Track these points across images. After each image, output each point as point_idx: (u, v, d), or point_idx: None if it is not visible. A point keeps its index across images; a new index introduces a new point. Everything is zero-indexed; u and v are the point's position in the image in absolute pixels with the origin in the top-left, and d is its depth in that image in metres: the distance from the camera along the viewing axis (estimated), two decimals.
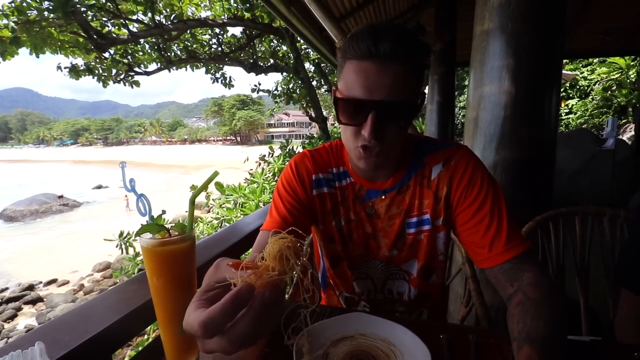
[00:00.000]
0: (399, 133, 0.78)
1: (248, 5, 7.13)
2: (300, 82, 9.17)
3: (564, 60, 10.19)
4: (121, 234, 6.33)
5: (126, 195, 20.95)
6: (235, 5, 7.82)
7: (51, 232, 17.74)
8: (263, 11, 7.32)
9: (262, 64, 9.15)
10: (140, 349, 0.82)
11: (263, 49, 9.58)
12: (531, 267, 0.75)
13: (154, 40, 8.06)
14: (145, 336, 3.92)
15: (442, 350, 0.68)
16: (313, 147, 1.03)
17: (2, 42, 5.99)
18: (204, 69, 9.62)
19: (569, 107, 13.92)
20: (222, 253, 1.03)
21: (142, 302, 0.72)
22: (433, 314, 1.01)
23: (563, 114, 13.71)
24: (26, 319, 9.03)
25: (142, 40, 7.89)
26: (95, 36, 6.54)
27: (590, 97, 13.38)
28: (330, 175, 0.95)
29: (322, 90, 10.94)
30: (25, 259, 13.76)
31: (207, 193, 6.51)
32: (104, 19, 7.06)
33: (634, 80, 11.54)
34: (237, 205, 5.27)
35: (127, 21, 6.90)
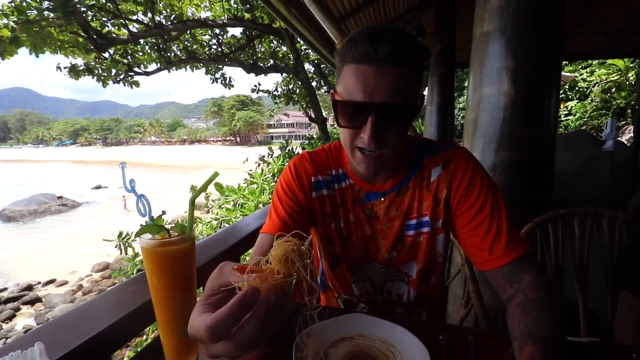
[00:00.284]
0: (398, 136, 0.78)
1: (248, 5, 7.13)
2: (300, 82, 9.17)
3: (563, 62, 10.22)
4: (120, 234, 6.31)
5: (124, 196, 20.95)
6: (235, 5, 7.82)
7: (50, 232, 17.70)
8: (263, 12, 7.32)
9: (262, 65, 9.15)
10: (139, 349, 0.82)
11: (263, 49, 9.59)
12: (530, 269, 0.75)
13: (153, 40, 8.06)
14: (144, 337, 3.91)
15: (441, 351, 0.68)
16: (313, 147, 1.03)
17: (2, 41, 5.98)
18: (203, 69, 9.62)
19: (568, 108, 13.95)
20: (221, 253, 1.03)
21: (141, 303, 0.72)
22: (432, 315, 1.01)
23: (562, 116, 13.74)
24: (25, 320, 9.00)
25: (142, 41, 7.89)
26: (95, 36, 6.53)
27: (590, 98, 13.40)
28: (330, 177, 0.95)
29: (322, 91, 10.94)
30: (24, 259, 13.72)
31: (207, 194, 6.51)
32: (104, 19, 7.05)
33: (633, 82, 11.56)
34: (237, 205, 5.26)
35: (127, 21, 6.89)
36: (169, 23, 7.44)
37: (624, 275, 0.92)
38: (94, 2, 6.57)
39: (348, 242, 0.95)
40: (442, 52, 4.44)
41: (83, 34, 6.57)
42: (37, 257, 13.80)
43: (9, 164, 71.55)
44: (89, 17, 6.68)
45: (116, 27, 7.45)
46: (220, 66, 9.68)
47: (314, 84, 9.64)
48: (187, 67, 8.98)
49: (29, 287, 10.69)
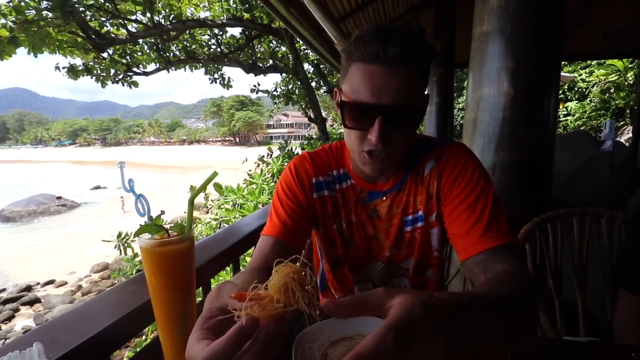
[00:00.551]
0: (405, 137, 0.77)
1: (247, 5, 7.13)
2: (299, 83, 9.16)
3: (563, 62, 10.23)
4: (119, 234, 6.31)
5: (122, 197, 20.93)
6: (234, 5, 7.82)
7: (49, 232, 17.68)
8: (262, 12, 7.32)
9: (261, 65, 9.15)
10: (138, 349, 0.82)
11: (262, 49, 9.59)
12: (507, 261, 0.70)
13: (152, 40, 8.06)
14: (144, 337, 3.90)
15: None
16: (312, 148, 1.03)
17: (0, 41, 5.98)
18: (202, 69, 9.62)
19: (568, 109, 13.97)
20: (221, 254, 1.03)
21: (140, 303, 0.72)
22: None
23: (561, 116, 13.76)
24: (24, 320, 8.99)
25: (140, 41, 7.89)
26: (93, 36, 6.52)
27: (589, 99, 13.42)
28: (331, 177, 0.94)
29: (321, 91, 10.94)
30: (23, 259, 13.70)
31: (206, 194, 6.50)
32: (103, 18, 7.05)
33: (631, 82, 11.58)
34: (236, 206, 5.26)
35: (125, 21, 6.89)
36: (168, 23, 7.43)
37: (624, 275, 0.92)
38: (92, 2, 6.56)
39: (350, 242, 0.94)
40: (441, 52, 4.43)
41: (82, 34, 6.57)
42: (36, 258, 13.78)
43: (8, 165, 71.40)
44: (88, 17, 6.67)
45: (115, 27, 7.45)
46: (220, 66, 9.68)
47: (313, 84, 9.64)
48: (186, 67, 8.98)
49: (28, 288, 10.67)
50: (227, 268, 1.23)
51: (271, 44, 9.47)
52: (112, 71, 7.94)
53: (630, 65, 11.60)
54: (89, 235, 15.88)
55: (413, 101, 0.73)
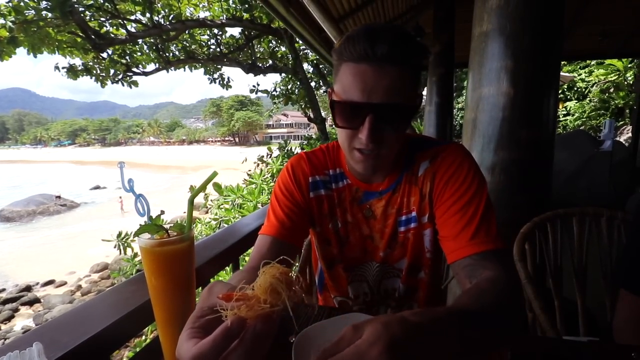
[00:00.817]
0: (396, 136, 0.77)
1: (247, 5, 7.13)
2: (298, 83, 9.17)
3: (562, 62, 10.24)
4: (119, 234, 6.31)
5: (120, 197, 20.92)
6: (234, 5, 7.82)
7: (48, 232, 17.67)
8: (262, 12, 7.32)
9: (260, 65, 9.15)
10: (138, 349, 0.82)
11: (262, 49, 9.59)
12: (494, 267, 0.69)
13: (152, 40, 8.06)
14: (143, 337, 3.90)
15: None
16: (312, 148, 1.04)
17: (0, 42, 5.97)
18: (202, 69, 9.62)
19: (567, 108, 13.98)
20: (220, 254, 1.03)
21: (140, 303, 0.72)
22: (431, 306, 1.01)
23: (561, 116, 13.76)
24: (23, 320, 8.98)
25: (140, 41, 7.89)
26: (93, 36, 6.52)
27: (588, 99, 13.43)
28: (327, 177, 0.94)
29: (321, 91, 10.95)
30: (23, 259, 13.69)
31: (206, 194, 6.50)
32: (102, 19, 7.05)
33: (631, 82, 11.59)
34: (236, 206, 5.26)
35: (125, 21, 6.89)
36: (168, 23, 7.43)
37: (624, 275, 0.92)
38: (92, 2, 6.56)
39: (345, 242, 0.95)
40: (441, 52, 4.44)
41: (81, 34, 6.56)
42: (36, 258, 13.78)
43: (8, 165, 71.34)
44: (87, 17, 6.67)
45: (114, 27, 7.45)
46: (219, 66, 9.68)
47: (312, 84, 9.65)
48: (186, 67, 8.98)
49: (28, 288, 10.67)
50: (227, 268, 1.23)
51: (271, 44, 9.47)
52: (112, 71, 7.94)
53: (629, 65, 11.62)
54: (88, 235, 15.87)
55: (404, 100, 0.72)
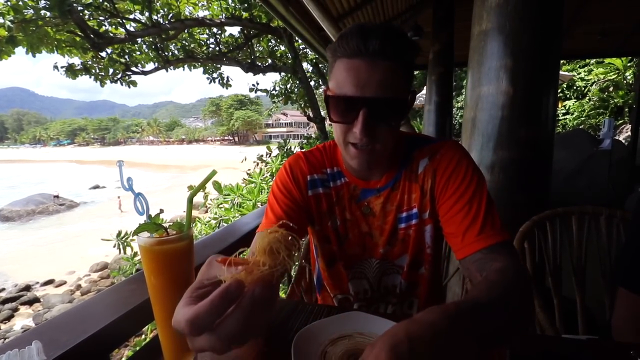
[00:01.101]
0: (390, 130, 0.78)
1: (246, 4, 7.12)
2: (298, 82, 9.17)
3: (561, 61, 10.23)
4: (119, 233, 6.30)
5: (119, 197, 20.90)
6: (233, 4, 7.81)
7: (48, 232, 17.65)
8: (261, 11, 7.31)
9: (260, 64, 9.15)
10: (137, 348, 0.82)
11: (261, 48, 9.58)
12: (503, 258, 0.72)
13: (151, 39, 8.04)
14: (143, 336, 3.91)
15: None
16: (311, 147, 1.04)
17: None
18: (201, 68, 9.61)
19: (566, 107, 13.98)
20: (220, 252, 1.03)
21: (139, 302, 0.72)
22: (431, 305, 1.01)
23: (560, 115, 13.77)
24: (23, 320, 8.97)
25: (139, 40, 7.86)
26: (92, 35, 6.51)
27: (587, 97, 13.44)
28: (325, 175, 0.95)
29: (320, 90, 10.94)
30: (22, 259, 13.68)
31: (205, 193, 6.49)
32: (101, 18, 7.04)
33: (630, 81, 11.60)
34: (235, 205, 5.26)
35: (124, 20, 6.87)
36: (167, 22, 7.42)
37: (622, 273, 0.92)
38: (90, 1, 6.54)
39: (345, 239, 0.95)
40: (440, 51, 4.44)
41: (80, 33, 6.55)
42: (35, 257, 13.76)
43: (7, 165, 71.26)
44: (86, 16, 6.66)
45: (113, 27, 7.43)
46: (218, 65, 9.66)
47: (312, 83, 9.65)
48: (185, 66, 8.96)
49: (27, 288, 10.65)
50: None
51: (270, 43, 9.46)
52: (111, 70, 7.92)
53: (629, 64, 11.63)
54: (88, 234, 15.86)
55: (396, 94, 0.74)
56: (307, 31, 3.76)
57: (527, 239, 1.21)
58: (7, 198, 24.39)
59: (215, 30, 8.80)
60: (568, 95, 14.22)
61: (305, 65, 9.39)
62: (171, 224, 0.59)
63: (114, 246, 6.37)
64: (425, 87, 4.91)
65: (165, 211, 0.66)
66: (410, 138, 0.94)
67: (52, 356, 0.55)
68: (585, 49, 6.55)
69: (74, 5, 5.95)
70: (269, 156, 6.91)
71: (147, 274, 0.59)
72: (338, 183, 0.94)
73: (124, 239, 6.23)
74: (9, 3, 5.93)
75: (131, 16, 7.20)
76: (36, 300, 9.92)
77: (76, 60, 7.61)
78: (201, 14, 8.48)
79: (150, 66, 8.69)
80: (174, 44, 8.71)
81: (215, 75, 9.96)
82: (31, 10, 6.06)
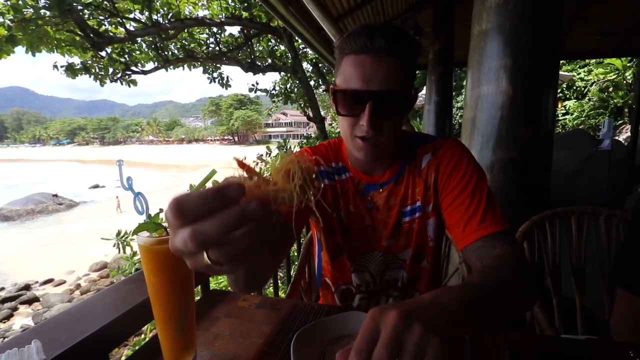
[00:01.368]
0: (394, 123, 0.82)
1: (246, 4, 7.11)
2: (298, 82, 9.15)
3: (561, 61, 10.24)
4: (118, 233, 6.29)
5: (117, 196, 20.89)
6: (233, 4, 7.80)
7: (47, 231, 17.64)
8: (261, 10, 7.31)
9: (259, 64, 9.14)
10: (137, 348, 0.82)
11: (261, 48, 9.57)
12: (502, 245, 0.75)
13: (151, 39, 8.03)
14: (142, 335, 3.90)
15: None
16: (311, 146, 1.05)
17: None
18: (201, 68, 9.60)
19: (566, 107, 13.98)
20: None
21: (139, 301, 0.72)
22: None
23: (560, 115, 13.76)
24: (22, 319, 8.97)
25: (139, 39, 7.85)
26: (92, 35, 6.50)
27: (587, 98, 13.43)
28: (330, 169, 0.98)
29: (320, 90, 10.93)
30: (22, 258, 13.67)
31: None
32: (101, 17, 7.03)
33: (630, 81, 11.60)
34: None
35: (124, 20, 6.86)
36: (167, 22, 7.41)
37: (620, 274, 0.93)
38: (90, 0, 6.54)
39: (349, 231, 0.98)
40: (440, 51, 4.44)
41: (80, 33, 6.54)
42: (35, 257, 13.76)
43: (6, 164, 71.21)
44: (86, 16, 6.65)
45: (113, 26, 7.42)
46: (218, 65, 9.66)
47: (312, 83, 9.63)
48: (185, 66, 8.96)
49: (27, 287, 10.65)
50: None
51: (270, 43, 9.45)
52: (111, 70, 7.91)
53: (628, 64, 11.62)
54: (87, 234, 15.86)
55: (401, 88, 0.78)
56: (307, 31, 3.75)
57: (526, 239, 1.22)
58: (6, 197, 24.35)
59: (215, 29, 8.79)
60: (568, 96, 14.22)
61: (305, 65, 9.38)
62: None
63: (114, 245, 6.36)
64: (425, 87, 4.90)
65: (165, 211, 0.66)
66: (412, 136, 0.98)
67: (52, 355, 0.55)
68: (584, 49, 6.55)
69: (74, 4, 5.94)
70: (269, 156, 6.91)
71: (146, 274, 0.59)
72: (343, 177, 0.97)
73: (123, 239, 6.22)
74: (8, 2, 5.93)
75: (131, 16, 7.19)
76: (35, 299, 9.91)
77: (76, 60, 7.60)
78: (201, 13, 8.48)
79: (150, 66, 8.68)
80: (173, 44, 8.70)
81: (215, 75, 9.95)
82: (31, 10, 6.05)
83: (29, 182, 37.12)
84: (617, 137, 9.32)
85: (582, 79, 13.61)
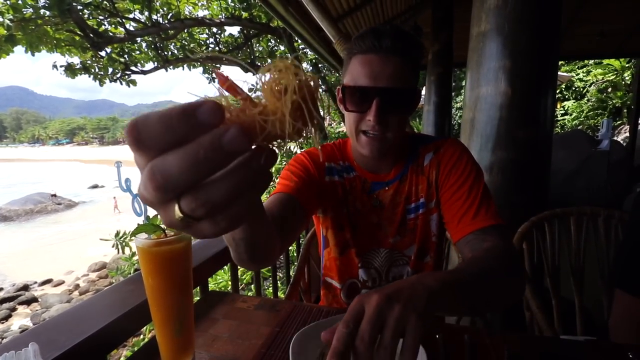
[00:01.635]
0: (399, 120, 0.85)
1: (245, 4, 7.11)
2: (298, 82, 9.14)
3: (560, 62, 10.25)
4: (117, 233, 6.29)
5: (114, 197, 20.87)
6: (232, 4, 7.80)
7: (46, 231, 17.61)
8: (261, 11, 7.31)
9: (259, 64, 9.14)
10: (136, 349, 0.81)
11: (260, 48, 9.58)
12: (492, 239, 0.78)
13: (150, 39, 8.03)
14: (141, 336, 3.90)
15: (437, 349, 0.68)
16: (310, 147, 1.05)
17: None
18: (201, 68, 9.60)
19: (565, 108, 13.99)
20: (218, 253, 1.03)
21: (138, 302, 0.72)
22: None
23: (559, 115, 13.78)
24: (21, 320, 8.95)
25: (138, 39, 7.85)
26: (91, 35, 6.50)
27: (586, 98, 13.45)
28: (339, 166, 1.00)
29: (320, 90, 10.93)
30: (20, 258, 13.65)
31: None
32: (101, 17, 7.03)
33: (629, 82, 11.62)
34: None
35: (123, 20, 6.86)
36: (166, 22, 7.41)
37: (619, 274, 0.93)
38: (90, 0, 6.53)
39: (356, 228, 0.99)
40: (439, 52, 4.44)
41: (79, 33, 6.54)
42: (34, 257, 13.74)
43: (5, 163, 71.09)
44: (86, 16, 6.65)
45: (113, 26, 7.42)
46: (218, 65, 9.65)
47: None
48: (185, 66, 8.95)
49: (25, 287, 10.62)
50: (225, 267, 1.23)
51: (269, 43, 9.46)
52: (110, 70, 7.91)
53: (627, 65, 11.64)
54: (86, 234, 15.83)
55: (406, 85, 0.82)
56: (306, 31, 3.75)
57: (525, 240, 1.22)
58: (5, 197, 24.31)
59: (214, 30, 8.79)
60: (566, 96, 14.24)
61: (305, 65, 9.38)
62: None
63: (113, 246, 6.36)
64: (424, 88, 4.90)
65: None
66: (414, 136, 1.02)
67: (50, 357, 0.54)
68: (583, 50, 6.56)
69: (74, 4, 5.94)
70: None
71: (144, 275, 0.59)
72: (350, 175, 0.99)
73: (122, 239, 6.22)
74: (8, 2, 5.92)
75: (131, 15, 7.19)
76: (34, 300, 9.88)
77: (75, 60, 7.60)
78: (201, 13, 8.49)
79: (149, 66, 8.68)
80: (173, 44, 8.70)
81: (214, 75, 9.95)
82: (30, 9, 6.05)
83: (27, 182, 37.06)
84: (615, 138, 9.33)
85: (580, 80, 13.63)
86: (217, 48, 8.93)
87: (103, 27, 7.24)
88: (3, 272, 12.25)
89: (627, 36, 5.61)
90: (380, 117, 0.80)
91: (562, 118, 13.82)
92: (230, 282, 1.22)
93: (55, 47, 6.87)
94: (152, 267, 0.58)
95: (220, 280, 4.06)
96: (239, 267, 1.34)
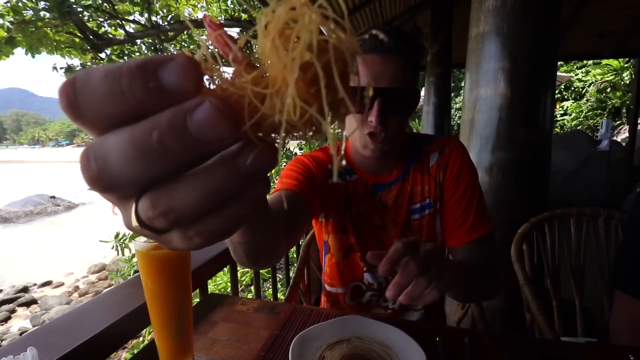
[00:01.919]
0: (401, 121, 0.85)
1: (245, 6, 7.12)
2: None
3: (559, 62, 10.25)
4: (117, 235, 6.28)
5: None
6: (232, 6, 7.81)
7: (46, 233, 17.59)
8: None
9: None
10: (135, 351, 0.81)
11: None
12: (485, 250, 0.89)
13: (150, 40, 8.03)
14: (141, 338, 3.89)
15: (437, 352, 0.68)
16: (310, 148, 1.05)
17: None
18: None
19: (564, 108, 14.00)
20: (217, 256, 1.03)
21: (137, 305, 0.72)
22: (430, 308, 1.02)
23: (558, 116, 13.78)
24: (20, 322, 8.92)
25: (138, 41, 7.85)
26: (91, 37, 6.50)
27: (585, 98, 13.46)
28: (341, 169, 0.99)
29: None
30: (20, 260, 13.63)
31: None
32: (101, 19, 7.03)
33: (628, 82, 11.63)
34: None
35: (123, 22, 6.86)
36: (166, 23, 7.42)
37: (619, 275, 0.92)
38: (90, 2, 6.54)
39: (360, 231, 0.98)
40: (438, 53, 4.44)
41: (79, 35, 6.54)
42: (33, 259, 13.71)
43: (5, 165, 71.06)
44: (86, 18, 6.65)
45: (113, 28, 7.42)
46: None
47: None
48: None
49: (25, 289, 10.59)
50: (225, 269, 1.22)
51: None
52: None
53: (626, 65, 11.65)
54: (86, 236, 15.82)
55: (407, 86, 0.82)
56: None
57: (525, 241, 1.21)
58: (5, 199, 24.28)
59: None
60: (566, 96, 14.24)
61: None
62: None
63: (112, 248, 6.35)
64: (423, 88, 4.91)
65: None
66: (414, 135, 1.02)
67: None
68: (582, 50, 6.56)
69: (74, 6, 5.94)
70: None
71: (143, 279, 0.58)
72: (353, 178, 0.98)
73: (121, 241, 6.21)
74: (8, 4, 5.92)
75: (130, 17, 7.20)
76: (34, 301, 9.85)
77: (76, 61, 7.60)
78: (200, 15, 8.49)
79: None
80: (173, 45, 8.70)
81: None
82: (30, 11, 6.05)
83: (27, 184, 37.03)
84: (615, 138, 9.33)
85: (580, 80, 13.64)
86: (216, 49, 8.93)
87: (103, 29, 7.24)
88: (2, 274, 12.23)
89: (626, 36, 5.61)
90: (382, 118, 0.80)
91: (561, 118, 13.83)
92: (229, 284, 1.22)
93: (55, 49, 6.87)
94: (151, 270, 0.58)
95: (219, 281, 4.06)
96: (238, 269, 1.34)
